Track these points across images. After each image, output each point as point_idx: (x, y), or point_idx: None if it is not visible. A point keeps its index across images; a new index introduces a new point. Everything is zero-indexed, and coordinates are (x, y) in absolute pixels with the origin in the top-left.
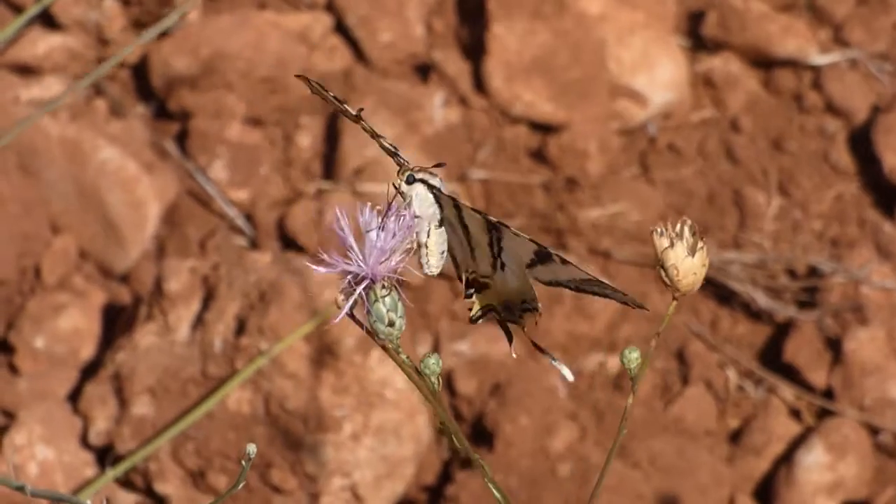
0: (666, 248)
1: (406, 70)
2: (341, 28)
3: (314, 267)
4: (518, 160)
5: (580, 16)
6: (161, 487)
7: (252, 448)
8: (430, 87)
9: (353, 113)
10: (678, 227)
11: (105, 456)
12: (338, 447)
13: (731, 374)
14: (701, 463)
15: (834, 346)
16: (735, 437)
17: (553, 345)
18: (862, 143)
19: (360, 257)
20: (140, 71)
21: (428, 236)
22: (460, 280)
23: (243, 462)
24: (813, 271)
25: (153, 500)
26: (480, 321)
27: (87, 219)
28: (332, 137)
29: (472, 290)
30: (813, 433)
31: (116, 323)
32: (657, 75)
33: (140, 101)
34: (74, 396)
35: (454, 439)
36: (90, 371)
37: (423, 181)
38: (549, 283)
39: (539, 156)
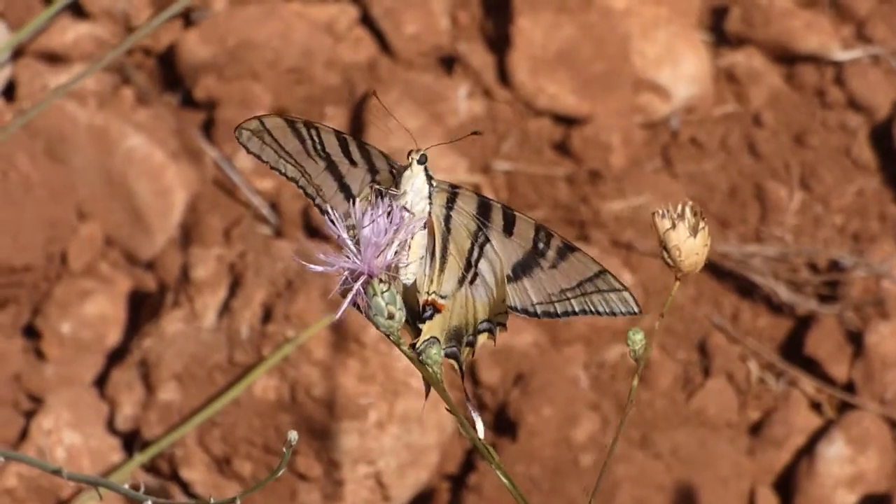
0: (668, 230)
1: (431, 62)
2: (367, 20)
3: (310, 266)
4: (542, 152)
5: (605, 10)
6: (187, 473)
7: (293, 435)
8: (454, 79)
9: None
10: (680, 208)
11: (131, 441)
12: (363, 435)
13: (753, 366)
14: (722, 455)
15: (855, 340)
16: (756, 429)
17: (575, 336)
18: (883, 138)
19: (356, 254)
20: (167, 60)
21: (412, 237)
22: (409, 324)
23: (284, 449)
24: (834, 265)
25: (179, 485)
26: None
27: (114, 206)
28: (356, 128)
29: (428, 314)
30: (834, 426)
31: (142, 309)
32: (680, 70)
33: (167, 90)
34: (101, 382)
35: (454, 413)
36: (116, 357)
37: (425, 168)
38: (514, 310)
39: (562, 148)
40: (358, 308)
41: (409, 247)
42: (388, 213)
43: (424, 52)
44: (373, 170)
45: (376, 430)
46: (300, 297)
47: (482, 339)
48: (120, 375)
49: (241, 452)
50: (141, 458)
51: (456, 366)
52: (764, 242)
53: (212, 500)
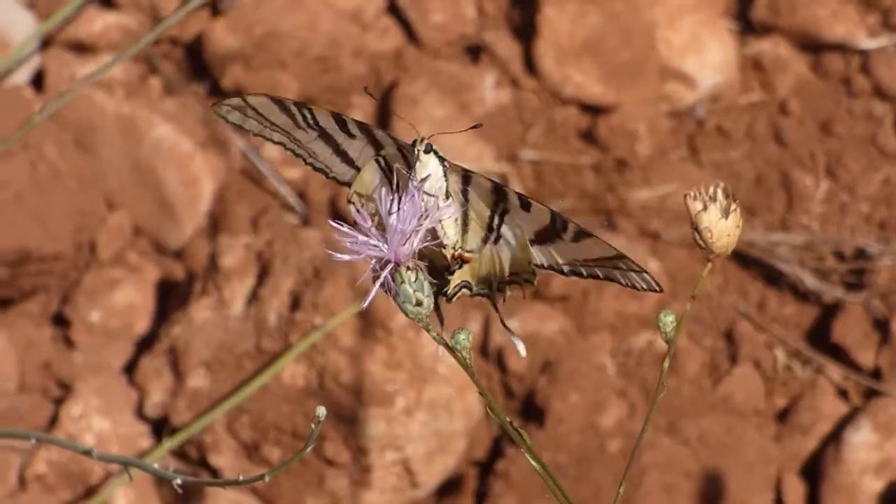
0: (699, 212)
1: (457, 51)
2: (393, 8)
3: (336, 255)
4: (568, 141)
5: None
6: (215, 459)
7: (322, 410)
8: (481, 68)
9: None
10: (711, 190)
11: (160, 428)
12: (390, 421)
13: (779, 353)
14: (749, 441)
15: (881, 327)
16: (783, 416)
17: (602, 324)
18: None
19: (382, 242)
20: (194, 50)
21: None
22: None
23: (313, 424)
24: (860, 253)
25: (208, 471)
26: (455, 299)
27: (142, 195)
28: (383, 117)
29: (456, 267)
30: (860, 413)
31: (170, 298)
32: (706, 58)
33: (194, 80)
34: (130, 369)
35: (491, 409)
36: (145, 345)
37: (435, 152)
38: (542, 267)
39: (589, 137)
40: (388, 292)
41: (442, 220)
42: (412, 200)
43: (451, 41)
44: (375, 143)
45: (404, 417)
46: (328, 285)
47: (512, 289)
48: (149, 363)
49: (270, 438)
50: (170, 443)
51: (490, 303)
52: (790, 230)
53: (240, 478)
